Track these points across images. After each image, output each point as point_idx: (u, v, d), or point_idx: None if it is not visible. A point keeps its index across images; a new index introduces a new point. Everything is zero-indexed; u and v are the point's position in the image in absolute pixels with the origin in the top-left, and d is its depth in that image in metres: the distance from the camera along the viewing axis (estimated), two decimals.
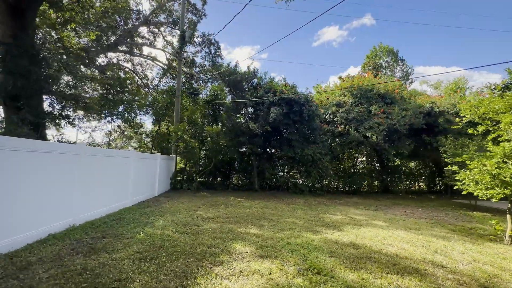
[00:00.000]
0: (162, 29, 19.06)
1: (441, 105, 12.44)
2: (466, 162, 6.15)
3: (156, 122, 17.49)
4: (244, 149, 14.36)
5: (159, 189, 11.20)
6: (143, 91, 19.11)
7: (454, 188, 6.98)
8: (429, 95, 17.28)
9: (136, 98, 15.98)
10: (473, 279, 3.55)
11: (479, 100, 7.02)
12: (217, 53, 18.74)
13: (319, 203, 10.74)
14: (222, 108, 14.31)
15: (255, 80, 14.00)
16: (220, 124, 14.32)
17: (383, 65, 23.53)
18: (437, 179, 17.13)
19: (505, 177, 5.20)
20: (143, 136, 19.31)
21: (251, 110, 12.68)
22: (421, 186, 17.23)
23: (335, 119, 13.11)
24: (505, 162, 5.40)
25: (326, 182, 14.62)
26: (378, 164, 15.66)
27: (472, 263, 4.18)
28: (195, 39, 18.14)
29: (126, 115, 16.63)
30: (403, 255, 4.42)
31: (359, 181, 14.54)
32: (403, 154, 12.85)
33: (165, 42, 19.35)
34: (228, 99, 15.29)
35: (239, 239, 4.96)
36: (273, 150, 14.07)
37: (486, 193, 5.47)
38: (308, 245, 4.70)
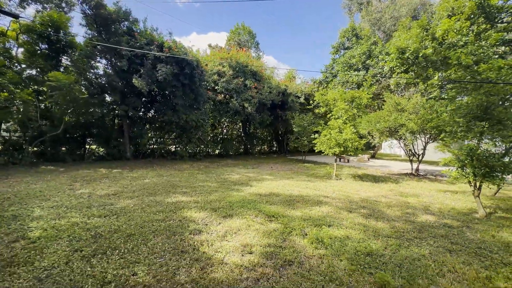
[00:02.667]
0: None
1: (290, 88, 16.68)
2: (320, 131, 9.31)
3: None
4: (109, 109, 11.48)
5: None
6: None
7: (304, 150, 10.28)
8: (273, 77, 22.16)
9: None
10: (345, 199, 6.02)
11: (323, 91, 10.49)
12: None
13: (206, 167, 11.37)
14: (72, 50, 10.21)
15: (126, 23, 11.13)
16: (66, 71, 10.21)
17: (243, 43, 26.42)
18: (274, 142, 23.15)
19: (339, 141, 8.59)
20: None
21: (126, 62, 10.14)
22: (265, 148, 22.54)
23: (216, 87, 13.69)
24: (340, 132, 8.87)
25: (202, 148, 15.29)
26: (242, 131, 18.45)
27: (335, 192, 6.88)
28: None
29: None
30: (304, 195, 6.34)
31: (230, 146, 16.57)
32: (265, 123, 16.17)
33: None
34: (80, 40, 11.01)
35: (183, 208, 4.71)
36: (152, 114, 12.39)
37: (331, 151, 8.76)
38: (247, 201, 5.42)
